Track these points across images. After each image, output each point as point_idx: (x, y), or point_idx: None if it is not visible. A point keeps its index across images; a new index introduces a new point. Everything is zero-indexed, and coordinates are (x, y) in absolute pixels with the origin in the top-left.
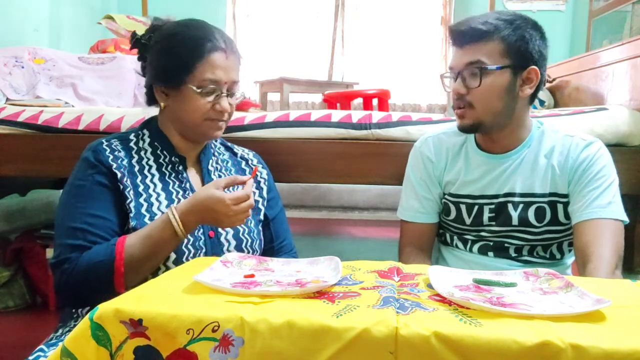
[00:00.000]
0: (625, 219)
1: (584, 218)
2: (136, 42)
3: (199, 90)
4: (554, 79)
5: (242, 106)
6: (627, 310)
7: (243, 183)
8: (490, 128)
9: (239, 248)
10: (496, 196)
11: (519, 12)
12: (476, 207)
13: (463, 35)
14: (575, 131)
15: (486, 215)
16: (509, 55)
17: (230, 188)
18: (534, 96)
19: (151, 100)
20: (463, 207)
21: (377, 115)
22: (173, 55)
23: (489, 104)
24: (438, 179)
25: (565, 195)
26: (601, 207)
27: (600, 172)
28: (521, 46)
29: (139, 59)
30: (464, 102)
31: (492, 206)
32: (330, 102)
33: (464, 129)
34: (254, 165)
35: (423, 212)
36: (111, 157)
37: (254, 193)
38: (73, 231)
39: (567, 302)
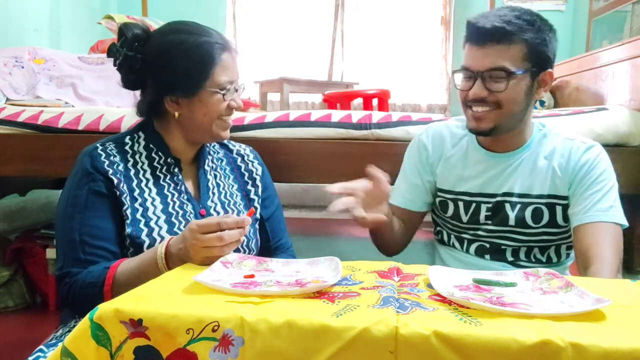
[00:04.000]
0: (625, 223)
1: (586, 221)
2: (125, 57)
3: (222, 92)
4: (554, 79)
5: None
6: (627, 310)
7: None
8: (504, 130)
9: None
10: (494, 195)
11: (535, 11)
12: (473, 205)
13: (485, 34)
14: (575, 134)
15: (483, 213)
16: (530, 59)
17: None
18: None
19: (150, 112)
20: (461, 204)
21: (377, 115)
22: (186, 65)
23: (513, 107)
24: (431, 167)
25: (565, 198)
26: (602, 210)
27: (601, 175)
28: (542, 50)
29: (128, 72)
30: (487, 104)
31: (490, 205)
32: (330, 102)
33: (479, 132)
34: (242, 202)
35: (407, 197)
36: (107, 162)
37: (249, 191)
38: (73, 244)
39: (567, 301)
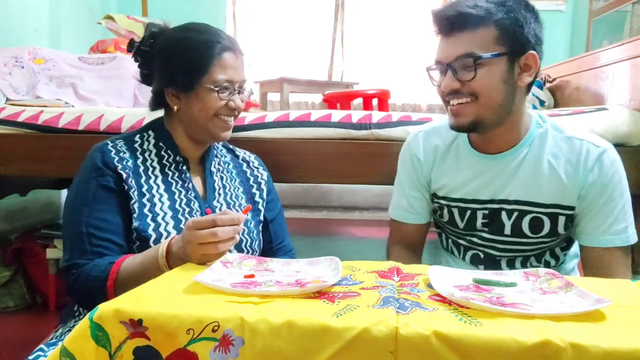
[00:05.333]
0: (637, 238)
1: (601, 245)
2: (137, 50)
3: (216, 89)
4: (554, 79)
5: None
6: (627, 310)
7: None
8: (489, 125)
9: (238, 248)
10: (490, 201)
11: None
12: (469, 212)
13: (450, 22)
14: (582, 132)
15: (480, 220)
16: (504, 42)
17: None
18: (530, 85)
19: (157, 105)
20: (455, 211)
21: (377, 115)
22: (185, 59)
23: (491, 95)
24: (426, 178)
25: (570, 208)
26: (618, 233)
27: (616, 189)
28: (516, 31)
29: (140, 66)
30: (463, 96)
31: (486, 212)
32: (330, 102)
33: (459, 128)
34: (247, 204)
35: (412, 212)
36: (117, 158)
37: (254, 194)
38: (79, 236)
39: (567, 301)
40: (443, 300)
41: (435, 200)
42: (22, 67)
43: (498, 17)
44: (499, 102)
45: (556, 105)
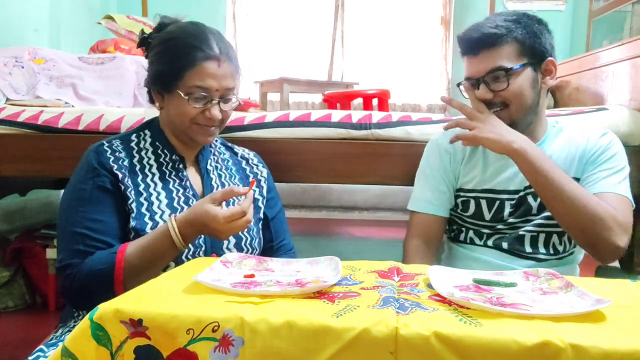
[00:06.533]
0: (632, 200)
1: (592, 192)
2: (142, 40)
3: (186, 97)
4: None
5: (242, 106)
6: (627, 310)
7: (240, 195)
8: (522, 126)
9: (238, 246)
10: (517, 191)
11: (520, 11)
12: (497, 203)
13: (476, 42)
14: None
15: (507, 210)
16: (526, 53)
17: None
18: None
19: (150, 101)
20: (483, 203)
21: (377, 115)
22: (166, 60)
23: (521, 101)
24: (454, 172)
25: (578, 179)
26: (611, 184)
27: (613, 157)
28: (535, 42)
29: (146, 57)
30: (495, 105)
31: (513, 201)
32: (330, 102)
33: None
34: (252, 179)
35: (436, 204)
36: (112, 158)
37: (254, 191)
38: (74, 236)
39: (567, 302)
40: (443, 300)
41: (462, 194)
42: (22, 67)
43: (517, 33)
44: (529, 104)
45: (556, 105)
